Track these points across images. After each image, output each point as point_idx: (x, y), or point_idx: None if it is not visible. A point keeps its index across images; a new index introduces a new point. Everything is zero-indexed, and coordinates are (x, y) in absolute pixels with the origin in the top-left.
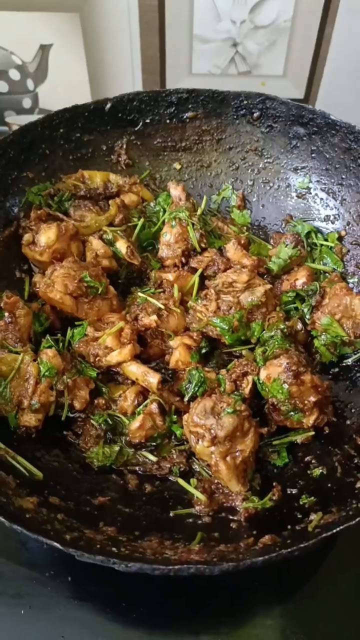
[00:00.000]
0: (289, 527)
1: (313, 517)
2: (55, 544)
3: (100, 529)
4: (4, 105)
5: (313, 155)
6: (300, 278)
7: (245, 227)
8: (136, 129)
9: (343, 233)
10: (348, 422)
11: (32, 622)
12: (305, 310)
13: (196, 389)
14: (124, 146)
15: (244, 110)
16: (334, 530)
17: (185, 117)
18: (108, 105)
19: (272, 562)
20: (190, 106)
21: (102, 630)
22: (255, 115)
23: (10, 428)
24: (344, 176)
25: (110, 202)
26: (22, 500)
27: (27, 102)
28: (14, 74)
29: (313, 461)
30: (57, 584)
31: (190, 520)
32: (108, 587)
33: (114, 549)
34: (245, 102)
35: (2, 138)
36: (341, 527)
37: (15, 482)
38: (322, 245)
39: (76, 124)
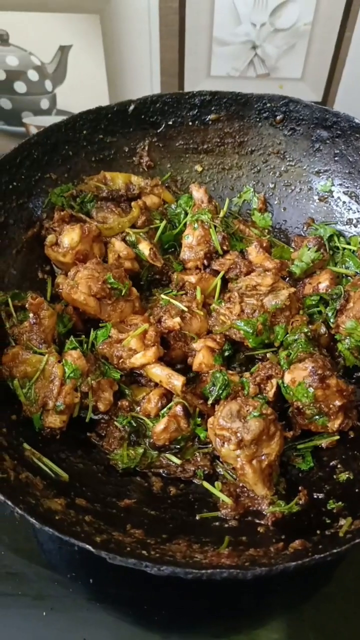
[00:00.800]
0: (318, 532)
1: (342, 522)
2: (88, 546)
3: (127, 531)
4: (22, 106)
5: (336, 158)
6: (322, 281)
7: (266, 230)
8: (158, 131)
9: None
10: None
11: (54, 624)
12: (329, 313)
13: (220, 391)
14: (146, 148)
15: (267, 113)
16: None
17: (207, 119)
18: (131, 107)
19: (304, 567)
20: (212, 108)
21: (124, 632)
22: (278, 118)
23: (35, 429)
24: None
25: (133, 204)
26: (50, 502)
27: (45, 103)
28: (33, 75)
29: (339, 466)
30: (78, 585)
31: (217, 523)
32: (129, 590)
33: (144, 552)
34: (268, 104)
35: (26, 140)
36: None
37: (43, 483)
38: (344, 248)
39: (99, 126)
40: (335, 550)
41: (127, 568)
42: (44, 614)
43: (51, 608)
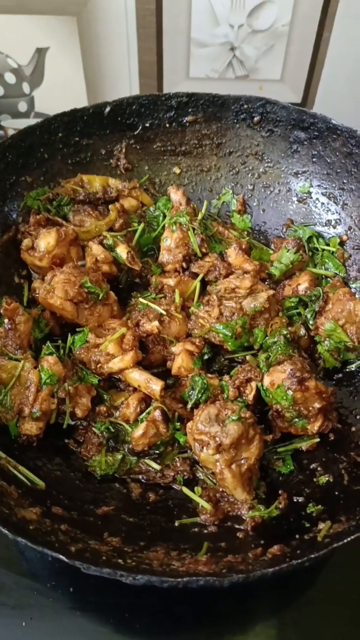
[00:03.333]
0: (297, 536)
1: (321, 526)
2: (61, 556)
3: (105, 539)
4: (0, 109)
5: (314, 159)
6: (302, 283)
7: (245, 232)
8: (135, 133)
9: (345, 238)
10: (353, 428)
11: (34, 633)
12: (309, 315)
13: (199, 395)
14: (123, 150)
15: (244, 114)
16: (345, 540)
17: (185, 121)
18: (107, 109)
19: (282, 573)
20: (190, 110)
21: None
22: (255, 119)
23: (11, 437)
24: (345, 181)
25: (110, 206)
26: (24, 511)
27: (22, 106)
28: (10, 78)
29: (319, 468)
30: (58, 594)
31: (196, 529)
32: (110, 598)
33: (120, 560)
34: (245, 106)
35: (0, 142)
36: (352, 537)
37: (18, 492)
38: (323, 250)
39: (75, 128)
40: (313, 556)
41: (104, 576)
42: (24, 623)
43: (31, 618)
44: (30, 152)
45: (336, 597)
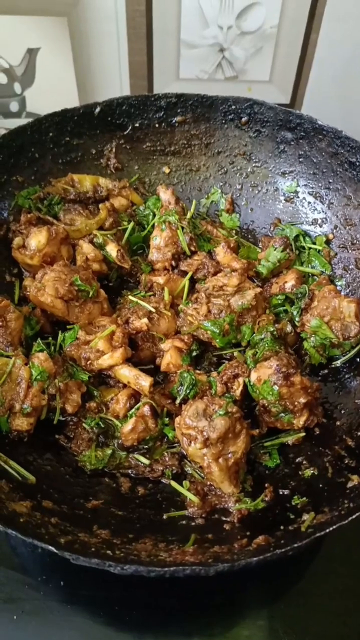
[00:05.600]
0: (281, 527)
1: (305, 517)
2: (51, 547)
3: (94, 532)
4: None
5: (300, 159)
6: (289, 281)
7: (234, 231)
8: (125, 133)
9: (330, 236)
10: (338, 422)
11: (25, 627)
12: (295, 312)
13: (187, 391)
14: (114, 150)
15: (232, 115)
16: (327, 530)
17: (174, 121)
18: (97, 110)
19: (266, 562)
20: (179, 110)
21: (96, 634)
22: (243, 120)
23: (1, 432)
24: (330, 180)
25: (100, 205)
26: (15, 505)
27: (14, 106)
28: (1, 78)
29: (304, 462)
30: (49, 588)
31: (184, 522)
32: (100, 591)
33: (108, 552)
34: (233, 106)
35: None
36: (334, 527)
37: (9, 486)
38: (310, 248)
39: (65, 128)
40: (296, 545)
41: (97, 569)
42: (15, 617)
43: (22, 611)
44: (21, 151)
45: (324, 589)
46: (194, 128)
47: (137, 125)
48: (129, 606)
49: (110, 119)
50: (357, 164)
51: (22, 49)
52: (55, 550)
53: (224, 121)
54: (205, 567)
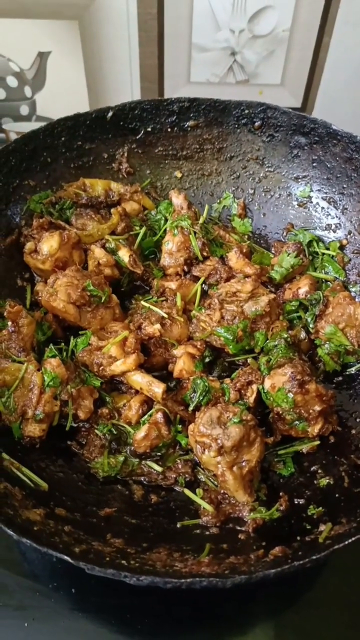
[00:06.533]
0: (298, 538)
1: (322, 528)
2: (66, 557)
3: (107, 540)
4: (1, 112)
5: (314, 164)
6: (302, 287)
7: (246, 236)
8: (137, 137)
9: (344, 242)
10: (353, 431)
11: (36, 634)
12: (309, 319)
13: (201, 398)
14: (126, 154)
15: (245, 119)
16: (346, 542)
17: (186, 125)
18: (110, 114)
19: (284, 574)
20: (191, 115)
21: None
22: (256, 124)
23: (14, 438)
24: (345, 185)
25: (112, 210)
26: (29, 512)
27: (24, 109)
28: (12, 81)
29: (319, 471)
30: (60, 595)
31: (198, 531)
32: (111, 599)
33: (123, 561)
34: (246, 111)
35: (4, 146)
36: (353, 539)
37: (22, 493)
38: (323, 254)
39: (78, 132)
40: (314, 557)
41: (108, 577)
42: (26, 624)
43: (33, 618)
44: (34, 156)
45: (335, 599)
46: (207, 132)
47: (149, 129)
48: (140, 614)
49: (122, 123)
50: None
51: (33, 52)
52: (70, 560)
53: (236, 125)
54: (222, 579)
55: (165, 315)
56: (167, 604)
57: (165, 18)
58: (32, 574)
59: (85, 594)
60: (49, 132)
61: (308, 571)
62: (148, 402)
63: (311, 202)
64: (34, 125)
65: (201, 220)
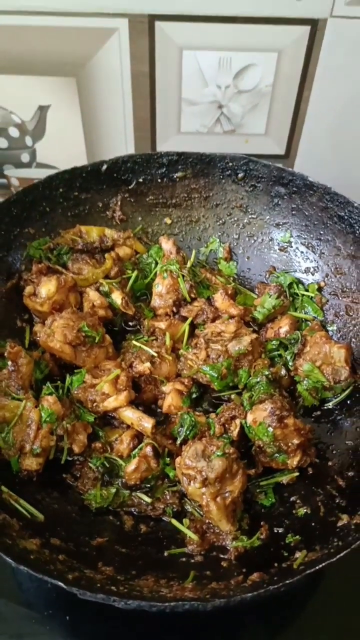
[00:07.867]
0: (275, 564)
1: (298, 555)
2: (60, 583)
3: (99, 569)
4: (4, 159)
5: (293, 212)
6: (283, 326)
7: (231, 278)
8: (130, 187)
9: (322, 284)
10: (330, 463)
11: None
12: (289, 357)
13: (188, 432)
14: (119, 203)
15: (229, 171)
16: (317, 567)
17: (175, 176)
18: (104, 167)
19: (260, 597)
20: (179, 167)
21: None
22: (239, 175)
23: (12, 472)
24: (321, 232)
25: (106, 255)
26: (26, 542)
27: (25, 157)
28: (14, 132)
29: (298, 501)
30: (55, 623)
31: (184, 559)
32: (104, 626)
33: (113, 587)
34: (230, 164)
35: (5, 199)
36: (323, 564)
37: (19, 524)
38: (303, 295)
39: (74, 184)
40: (287, 582)
41: (100, 605)
42: None
43: None
44: (33, 206)
45: (323, 627)
46: (194, 183)
47: (140, 180)
48: None
49: (116, 175)
50: (346, 217)
51: (34, 106)
52: (63, 586)
53: (221, 177)
54: (203, 603)
55: (155, 354)
56: (158, 632)
57: (156, 75)
58: (28, 602)
59: (79, 621)
60: (47, 185)
61: (295, 598)
62: (138, 437)
63: (291, 247)
64: (34, 172)
65: (189, 264)
